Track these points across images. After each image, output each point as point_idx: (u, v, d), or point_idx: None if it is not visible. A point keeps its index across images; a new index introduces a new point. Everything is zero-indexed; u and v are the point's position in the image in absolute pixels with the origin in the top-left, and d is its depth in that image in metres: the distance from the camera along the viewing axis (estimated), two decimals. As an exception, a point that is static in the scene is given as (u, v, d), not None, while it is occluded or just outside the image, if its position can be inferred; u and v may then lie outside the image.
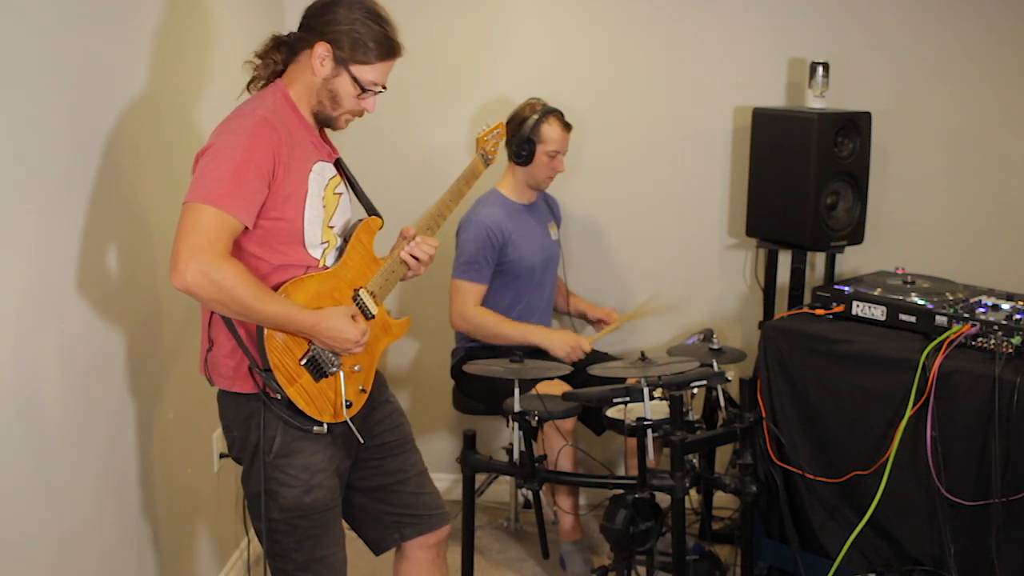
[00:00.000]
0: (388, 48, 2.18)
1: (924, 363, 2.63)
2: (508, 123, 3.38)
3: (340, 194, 2.28)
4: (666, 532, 2.93)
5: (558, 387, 3.20)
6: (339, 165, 2.32)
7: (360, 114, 2.25)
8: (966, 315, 2.71)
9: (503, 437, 3.74)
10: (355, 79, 2.17)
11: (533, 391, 3.12)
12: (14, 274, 2.02)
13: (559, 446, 3.16)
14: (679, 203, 3.77)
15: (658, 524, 2.89)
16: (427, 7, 3.63)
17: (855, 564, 2.80)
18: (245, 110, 2.14)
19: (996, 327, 2.63)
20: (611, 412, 2.98)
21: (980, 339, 2.65)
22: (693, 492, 3.19)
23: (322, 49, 2.15)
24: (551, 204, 3.64)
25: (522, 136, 3.32)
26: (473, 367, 2.94)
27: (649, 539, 2.86)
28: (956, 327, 2.69)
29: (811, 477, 2.89)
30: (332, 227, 2.23)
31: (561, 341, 3.33)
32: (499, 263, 3.37)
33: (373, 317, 2.28)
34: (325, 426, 2.17)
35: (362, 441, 2.27)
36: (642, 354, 2.89)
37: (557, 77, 3.69)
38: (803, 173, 3.32)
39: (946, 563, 2.62)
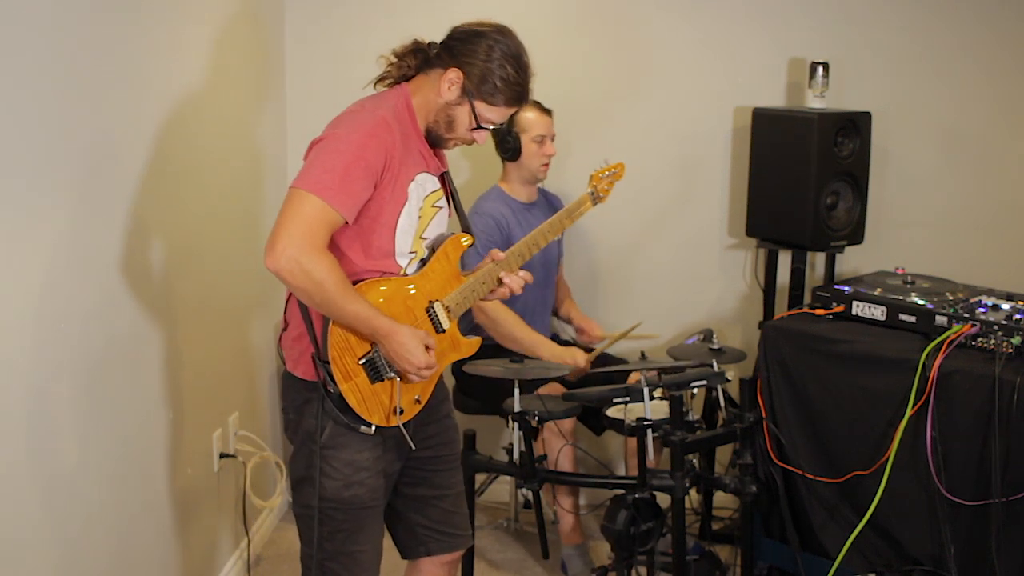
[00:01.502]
0: (517, 96, 2.19)
1: (924, 363, 2.63)
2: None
3: (439, 208, 2.28)
4: (666, 532, 2.93)
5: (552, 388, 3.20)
6: (444, 179, 2.33)
7: (470, 143, 2.26)
8: (966, 315, 2.71)
9: (503, 437, 3.74)
10: (475, 114, 2.18)
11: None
12: (14, 274, 2.02)
13: (559, 446, 3.16)
14: (679, 203, 3.77)
15: (658, 524, 2.89)
16: (424, 6, 3.62)
17: (855, 564, 2.80)
18: (368, 106, 2.16)
19: (996, 327, 2.63)
20: (611, 412, 2.98)
21: (980, 339, 2.65)
22: (693, 492, 3.19)
23: (454, 75, 2.16)
24: (553, 202, 3.63)
25: (503, 130, 3.31)
26: (473, 367, 2.94)
27: (650, 539, 2.86)
28: (956, 327, 2.69)
29: (811, 477, 2.89)
30: (424, 239, 2.25)
31: (568, 357, 3.27)
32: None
33: (444, 331, 2.28)
34: (373, 427, 2.18)
35: (413, 447, 2.26)
36: (642, 354, 2.89)
37: (556, 77, 3.68)
38: (803, 173, 3.33)
39: (946, 563, 2.62)
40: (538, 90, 3.43)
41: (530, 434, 2.88)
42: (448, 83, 2.17)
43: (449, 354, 2.34)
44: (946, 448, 2.61)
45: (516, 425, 2.86)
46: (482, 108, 2.18)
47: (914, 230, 3.65)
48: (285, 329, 2.24)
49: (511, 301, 3.39)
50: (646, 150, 3.75)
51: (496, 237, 3.32)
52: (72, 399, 2.24)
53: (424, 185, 2.21)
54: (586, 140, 3.68)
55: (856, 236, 3.48)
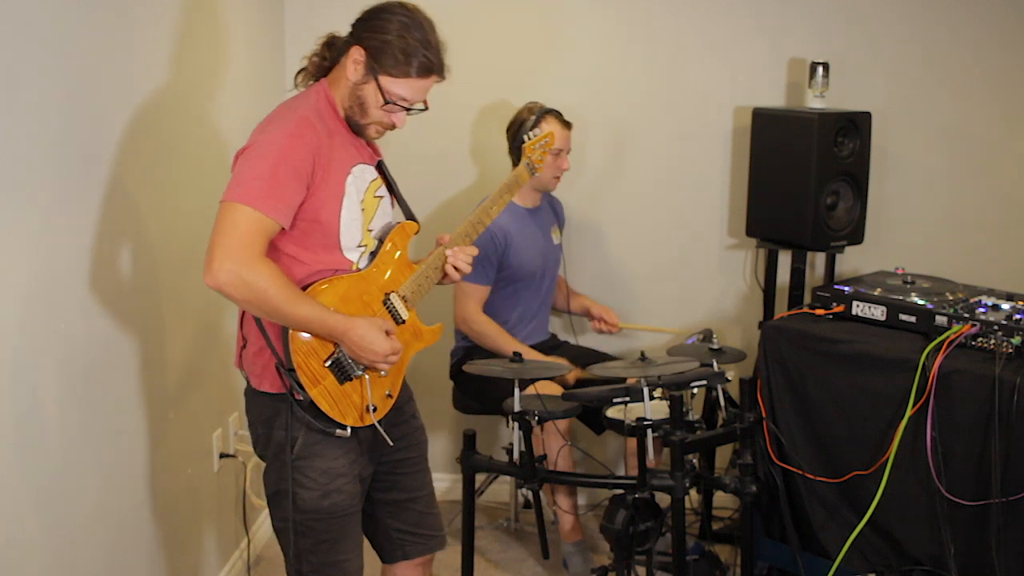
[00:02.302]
0: (422, 66, 2.12)
1: (924, 363, 2.63)
2: (508, 128, 3.39)
3: (381, 197, 2.27)
4: (666, 532, 2.93)
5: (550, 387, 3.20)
6: (381, 168, 2.31)
7: (390, 127, 2.21)
8: (966, 315, 2.70)
9: (503, 437, 3.74)
10: (381, 89, 2.13)
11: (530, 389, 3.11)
12: (15, 275, 2.02)
13: (558, 446, 3.16)
14: (679, 203, 3.77)
15: (658, 524, 2.89)
16: (425, 9, 3.62)
17: (855, 564, 2.80)
18: (286, 109, 2.14)
19: (996, 327, 2.63)
20: (611, 412, 2.98)
21: (980, 339, 2.65)
22: (693, 492, 3.19)
23: (357, 54, 2.13)
24: (555, 207, 3.64)
25: (521, 138, 3.31)
26: (473, 367, 2.94)
27: (649, 539, 2.86)
28: (956, 327, 2.68)
29: (811, 477, 2.88)
30: (371, 230, 2.23)
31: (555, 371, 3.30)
32: (500, 267, 3.38)
33: (404, 322, 2.27)
34: (349, 429, 2.16)
35: (391, 443, 2.25)
36: (642, 354, 2.89)
37: (557, 78, 3.69)
38: (803, 173, 3.32)
39: (946, 563, 2.62)
40: (538, 91, 3.47)
41: (530, 434, 2.88)
42: (353, 63, 2.13)
43: (413, 344, 2.32)
44: (946, 448, 2.60)
45: (516, 425, 2.86)
46: (387, 82, 2.12)
47: (914, 230, 3.65)
48: (244, 346, 2.20)
49: (513, 304, 3.43)
50: (646, 150, 3.75)
51: (490, 248, 3.32)
52: (72, 399, 2.24)
53: (363, 176, 2.20)
54: (586, 140, 3.67)
55: (856, 236, 3.48)
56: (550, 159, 3.35)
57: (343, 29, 2.25)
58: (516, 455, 2.90)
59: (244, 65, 3.26)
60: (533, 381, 3.10)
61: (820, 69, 3.42)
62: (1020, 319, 2.65)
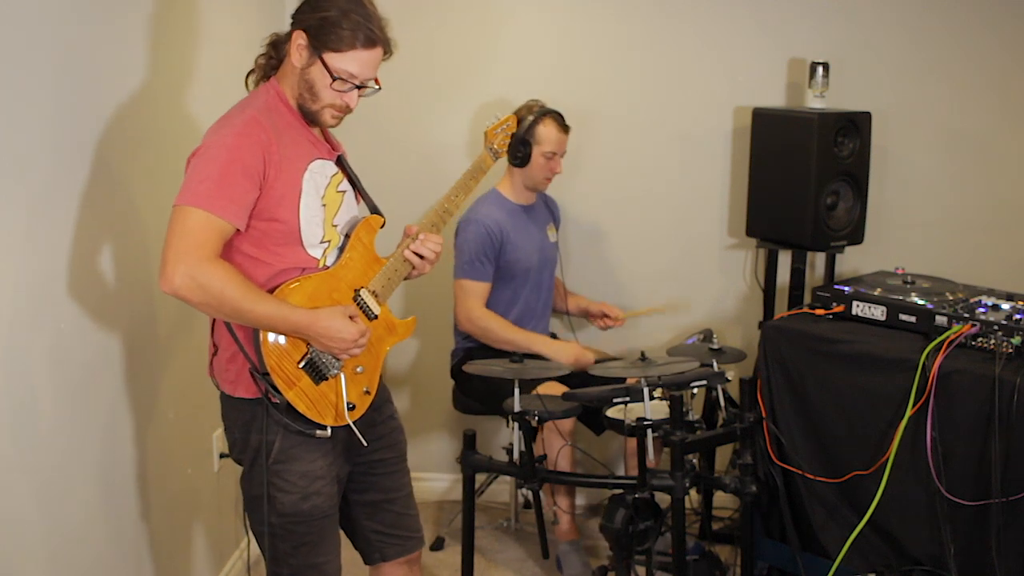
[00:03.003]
0: (363, 37, 2.08)
1: (924, 363, 2.63)
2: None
3: (343, 192, 2.25)
4: (666, 532, 2.93)
5: (557, 387, 3.20)
6: (341, 163, 2.29)
7: (344, 109, 2.17)
8: (966, 315, 2.70)
9: (503, 437, 3.74)
10: (327, 67, 2.10)
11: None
12: (8, 274, 2.02)
13: (558, 446, 3.16)
14: (679, 203, 3.77)
15: (657, 524, 2.89)
16: (427, 6, 3.63)
17: (855, 564, 2.80)
18: (235, 110, 2.12)
19: (996, 327, 2.63)
20: (611, 412, 2.98)
21: (980, 339, 2.65)
22: (693, 492, 3.19)
23: (299, 38, 2.11)
24: (551, 206, 3.64)
25: (517, 137, 3.32)
26: (473, 367, 2.95)
27: (648, 539, 2.86)
28: (956, 327, 2.68)
29: (811, 477, 2.88)
30: (336, 225, 2.21)
31: (567, 352, 3.30)
32: (497, 263, 3.38)
33: (376, 317, 2.25)
34: (329, 430, 2.15)
35: (365, 444, 2.24)
36: (642, 354, 2.89)
37: (556, 77, 3.69)
38: (803, 173, 3.32)
39: (946, 563, 2.62)
40: (537, 90, 3.47)
41: (530, 434, 2.88)
42: (296, 48, 2.11)
43: (387, 339, 2.30)
44: (946, 448, 2.60)
45: (516, 425, 2.86)
46: (332, 59, 2.09)
47: (914, 230, 3.65)
48: (215, 353, 2.19)
49: (512, 304, 3.43)
50: (646, 150, 3.75)
51: (487, 244, 3.33)
52: (71, 399, 2.24)
53: (322, 172, 2.18)
54: (586, 140, 3.67)
55: (856, 236, 3.48)
56: (543, 161, 3.35)
57: None
58: (516, 455, 2.90)
59: (244, 65, 3.25)
60: (533, 381, 3.11)
61: (820, 69, 3.42)
62: (1020, 319, 2.65)
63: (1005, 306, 2.76)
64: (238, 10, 3.22)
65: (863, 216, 3.48)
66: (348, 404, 2.18)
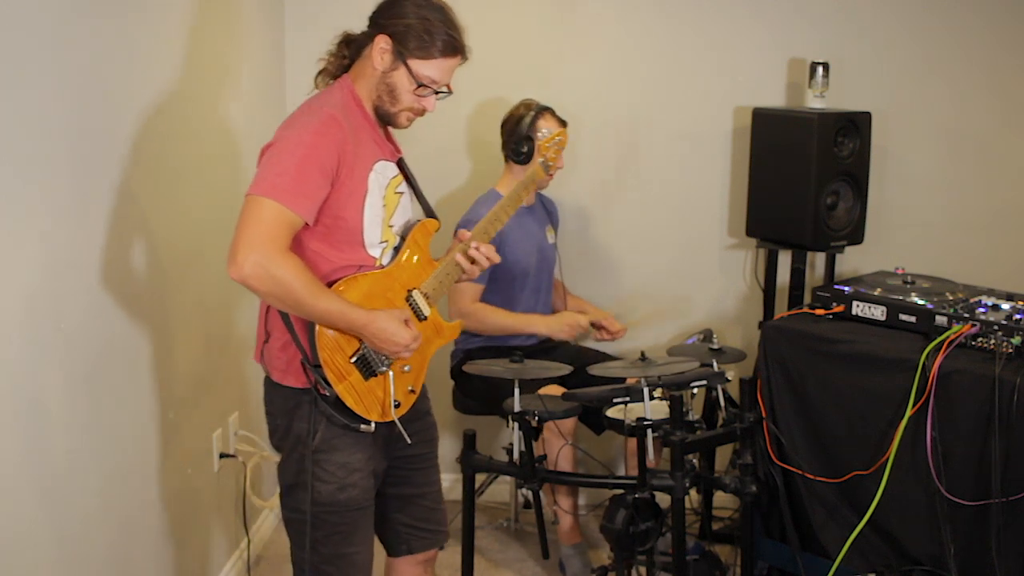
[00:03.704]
0: (447, 45, 2.15)
1: (924, 363, 2.63)
2: (503, 124, 3.39)
3: (401, 193, 2.29)
4: (666, 532, 2.93)
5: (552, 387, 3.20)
6: (401, 164, 2.33)
7: (421, 113, 2.23)
8: (966, 315, 2.70)
9: (503, 437, 3.74)
10: (411, 73, 2.15)
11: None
12: (15, 273, 2.02)
13: (559, 446, 3.16)
14: (679, 203, 3.77)
15: (658, 524, 2.89)
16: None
17: (855, 564, 2.80)
18: (314, 106, 2.16)
19: (996, 327, 2.63)
20: (611, 412, 2.97)
21: (980, 339, 2.65)
22: (693, 492, 3.19)
23: (383, 42, 2.15)
24: (549, 207, 3.64)
25: (519, 135, 3.32)
26: (473, 367, 2.95)
27: (649, 539, 2.86)
28: (956, 327, 2.68)
29: (811, 477, 2.88)
30: (392, 226, 2.25)
31: (560, 324, 3.39)
32: (495, 264, 3.37)
33: (426, 318, 2.28)
34: (373, 424, 2.18)
35: (409, 441, 2.27)
36: (642, 354, 2.89)
37: (556, 77, 3.69)
38: (803, 173, 3.32)
39: (946, 563, 2.62)
40: (537, 90, 3.47)
41: (530, 434, 2.88)
42: (379, 52, 2.15)
43: (434, 340, 2.34)
44: (946, 448, 2.60)
45: (516, 425, 2.86)
46: (417, 65, 2.15)
47: (914, 230, 3.65)
48: (267, 341, 2.22)
49: (510, 306, 3.43)
50: (646, 150, 3.75)
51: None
52: (71, 399, 2.23)
53: (384, 172, 2.22)
54: (586, 140, 3.67)
55: (856, 236, 3.48)
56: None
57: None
58: (516, 455, 2.90)
59: (245, 64, 3.26)
60: (533, 381, 3.11)
61: (820, 69, 3.42)
62: (1020, 319, 2.65)
63: (1005, 306, 2.76)
64: (239, 11, 3.22)
65: (863, 216, 3.48)
66: (394, 401, 2.21)
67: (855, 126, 3.39)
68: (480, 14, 3.68)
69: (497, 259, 2.38)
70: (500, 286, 3.41)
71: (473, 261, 2.35)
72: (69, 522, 2.23)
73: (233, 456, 3.15)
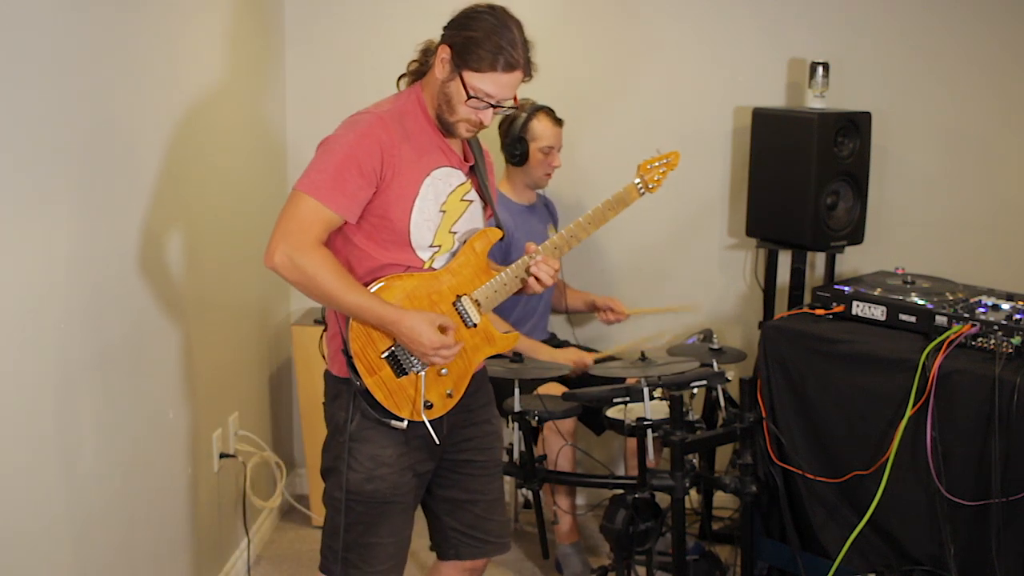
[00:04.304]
0: (503, 61, 2.14)
1: (924, 363, 2.63)
2: (499, 124, 3.39)
3: (469, 201, 2.30)
4: (666, 532, 2.93)
5: (552, 389, 3.20)
6: (474, 172, 2.34)
7: (479, 125, 2.22)
8: (966, 315, 2.70)
9: (503, 437, 3.74)
10: (464, 85, 2.16)
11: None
12: (18, 272, 2.02)
13: (559, 446, 3.16)
14: (679, 203, 3.76)
15: (658, 524, 2.89)
16: (427, 6, 3.62)
17: (855, 564, 2.80)
18: (371, 108, 2.21)
19: (996, 327, 2.63)
20: (611, 412, 2.98)
21: (980, 339, 2.65)
22: (693, 492, 3.19)
23: (444, 52, 2.17)
24: (549, 207, 3.64)
25: (513, 135, 3.32)
26: (473, 367, 2.94)
27: (649, 539, 2.86)
28: (956, 327, 2.68)
29: (811, 477, 2.88)
30: (454, 232, 2.26)
31: (565, 358, 3.31)
32: (503, 263, 3.37)
33: (475, 326, 2.28)
34: (405, 422, 2.20)
35: (437, 442, 2.27)
36: (642, 354, 2.89)
37: (556, 77, 3.67)
38: (803, 173, 3.32)
39: (946, 563, 2.62)
40: (538, 91, 3.47)
41: (530, 434, 2.88)
42: (440, 62, 2.18)
43: (484, 348, 2.33)
44: (946, 448, 2.60)
45: (516, 425, 2.86)
46: (470, 77, 2.16)
47: (914, 230, 3.65)
48: (326, 329, 2.31)
49: (512, 304, 3.42)
50: (646, 150, 3.73)
51: (496, 246, 3.32)
52: (71, 399, 2.23)
53: (447, 180, 2.24)
54: (586, 140, 3.67)
55: (856, 236, 3.48)
56: (541, 156, 3.35)
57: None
58: (516, 455, 2.90)
59: (245, 64, 3.26)
60: (533, 381, 3.11)
61: (820, 69, 3.42)
62: (1020, 319, 2.65)
63: (1005, 306, 2.76)
64: (240, 11, 3.22)
65: (863, 216, 3.48)
66: (425, 402, 2.22)
67: (855, 126, 3.39)
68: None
69: (552, 279, 2.33)
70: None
71: (537, 278, 2.33)
72: (69, 521, 2.23)
73: (233, 456, 3.15)
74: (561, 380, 3.22)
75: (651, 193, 2.55)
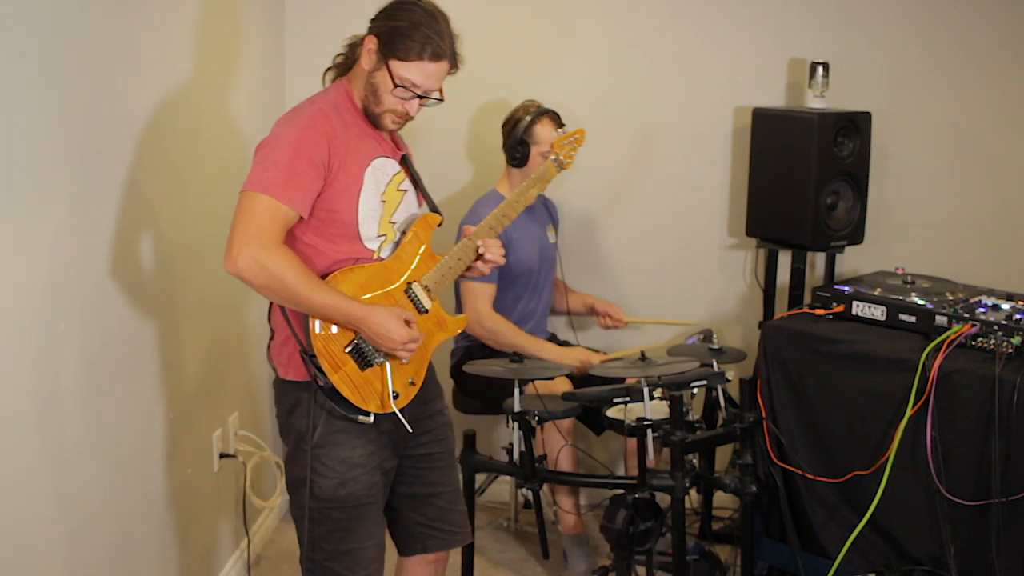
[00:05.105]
0: (429, 50, 2.15)
1: (924, 363, 2.63)
2: (503, 125, 3.39)
3: (405, 191, 2.31)
4: (666, 532, 2.93)
5: (558, 386, 3.20)
6: (405, 162, 2.35)
7: (405, 116, 2.23)
8: (966, 315, 2.70)
9: (503, 437, 3.74)
10: (391, 74, 2.16)
11: (530, 387, 3.11)
12: (20, 273, 2.02)
13: (559, 446, 3.16)
14: (679, 203, 3.77)
15: (658, 524, 2.89)
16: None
17: (855, 564, 2.80)
18: (305, 103, 2.20)
19: (996, 327, 2.63)
20: (611, 412, 2.98)
21: (980, 339, 2.65)
22: (693, 492, 3.19)
23: (370, 42, 2.18)
24: (549, 207, 3.64)
25: (516, 138, 3.32)
26: (473, 367, 2.95)
27: (649, 539, 2.86)
28: (956, 327, 2.68)
29: (811, 477, 2.88)
30: (393, 222, 2.27)
31: (572, 357, 3.31)
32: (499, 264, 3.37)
33: (427, 311, 2.30)
34: (372, 416, 2.19)
35: (411, 430, 2.27)
36: (642, 354, 2.89)
37: (556, 77, 3.69)
38: (803, 173, 3.32)
39: (946, 563, 2.62)
40: (538, 91, 3.47)
41: (530, 434, 2.88)
42: (367, 52, 2.18)
43: (436, 333, 2.35)
44: (946, 448, 2.60)
45: (516, 425, 2.86)
46: (396, 66, 2.16)
47: (914, 230, 3.65)
48: (272, 338, 2.26)
49: (512, 306, 3.43)
50: (646, 150, 3.75)
51: None
52: (71, 398, 2.24)
53: (384, 169, 2.24)
54: (586, 140, 3.66)
55: (856, 236, 3.48)
56: (541, 160, 3.35)
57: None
58: (516, 455, 2.90)
59: (245, 63, 3.26)
60: (533, 381, 3.11)
61: (820, 69, 3.42)
62: (1020, 319, 2.65)
63: (1005, 306, 2.76)
64: (239, 11, 3.22)
65: (863, 216, 3.48)
66: (392, 393, 2.21)
67: (855, 126, 3.39)
68: (482, 15, 3.70)
69: (502, 258, 2.39)
70: (503, 286, 3.41)
71: (481, 257, 2.37)
72: (70, 521, 2.23)
73: (233, 456, 3.15)
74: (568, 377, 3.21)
75: (566, 169, 2.75)
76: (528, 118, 3.32)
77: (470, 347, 3.44)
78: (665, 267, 3.81)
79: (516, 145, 3.32)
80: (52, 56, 2.10)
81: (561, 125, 3.38)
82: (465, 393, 3.51)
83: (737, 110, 3.67)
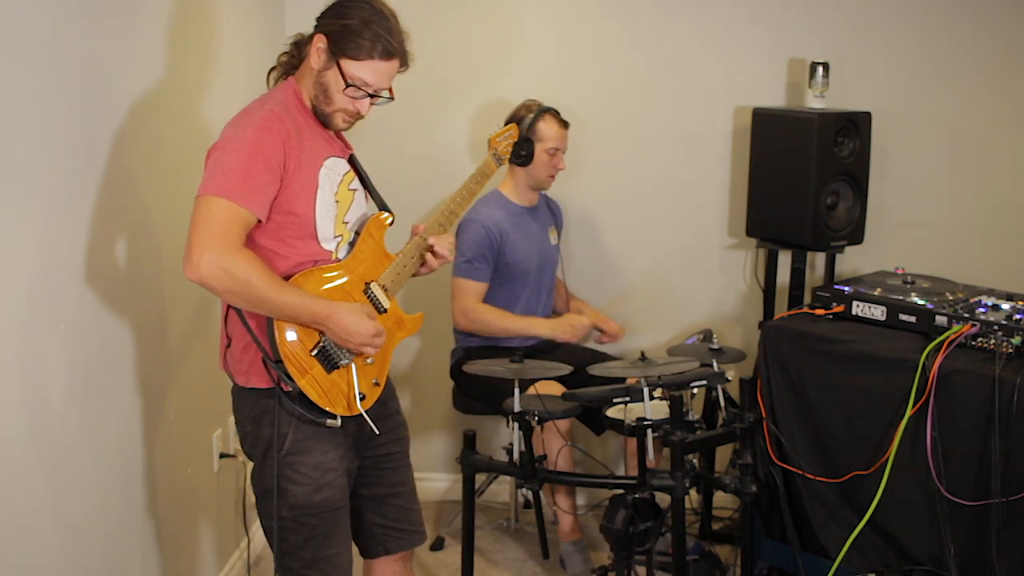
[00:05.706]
0: (380, 48, 2.13)
1: (924, 363, 2.63)
2: (505, 124, 3.39)
3: (355, 190, 2.30)
4: (666, 532, 2.93)
5: (557, 387, 3.20)
6: (353, 162, 2.34)
7: (355, 115, 2.22)
8: (966, 315, 2.70)
9: (503, 437, 3.74)
10: (342, 73, 2.14)
11: (531, 390, 3.11)
12: (17, 272, 2.02)
13: (558, 446, 3.16)
14: (679, 203, 3.77)
15: (658, 524, 2.89)
16: (429, 8, 3.63)
17: (855, 564, 2.80)
18: (255, 105, 2.17)
19: (996, 327, 2.63)
20: (611, 412, 2.98)
21: (980, 339, 2.65)
22: (693, 492, 3.19)
23: (319, 41, 2.15)
24: (553, 208, 3.64)
25: (520, 136, 3.32)
26: (473, 367, 2.95)
27: (649, 539, 2.86)
28: (956, 327, 2.68)
29: (811, 477, 2.88)
30: (346, 222, 2.26)
31: (563, 326, 3.40)
32: (496, 264, 3.38)
33: (385, 311, 2.30)
34: (339, 419, 2.17)
35: (377, 432, 2.27)
36: (642, 354, 2.89)
37: (557, 78, 3.69)
38: (803, 173, 3.33)
39: (946, 563, 2.62)
40: (538, 91, 3.47)
41: (530, 434, 2.88)
42: (316, 51, 2.16)
43: (396, 333, 2.35)
44: (946, 448, 2.60)
45: (516, 425, 2.86)
46: (348, 65, 2.14)
47: (914, 230, 3.65)
48: (228, 345, 2.22)
49: (512, 304, 3.43)
50: (646, 150, 3.75)
51: (485, 245, 3.33)
52: (71, 399, 2.23)
53: (335, 169, 2.23)
54: (586, 140, 3.67)
55: (856, 236, 3.48)
56: (546, 157, 3.36)
57: None
58: (516, 455, 2.90)
59: (245, 63, 3.26)
60: (533, 381, 3.11)
61: (820, 69, 3.42)
62: (1020, 319, 2.65)
63: (1005, 306, 2.76)
64: (242, 12, 3.22)
65: (863, 216, 3.48)
66: (359, 394, 2.20)
67: (855, 126, 3.39)
68: (482, 17, 3.70)
69: (451, 254, 2.40)
70: (500, 286, 3.42)
71: (437, 254, 2.37)
72: (69, 521, 2.23)
73: (233, 456, 3.15)
74: (561, 380, 3.21)
75: (503, 165, 2.88)
76: (531, 116, 3.32)
77: (471, 347, 3.45)
78: (665, 267, 3.81)
79: (521, 143, 3.33)
80: (37, 57, 2.09)
81: (564, 122, 3.38)
82: (465, 393, 3.51)
83: (737, 110, 3.67)
